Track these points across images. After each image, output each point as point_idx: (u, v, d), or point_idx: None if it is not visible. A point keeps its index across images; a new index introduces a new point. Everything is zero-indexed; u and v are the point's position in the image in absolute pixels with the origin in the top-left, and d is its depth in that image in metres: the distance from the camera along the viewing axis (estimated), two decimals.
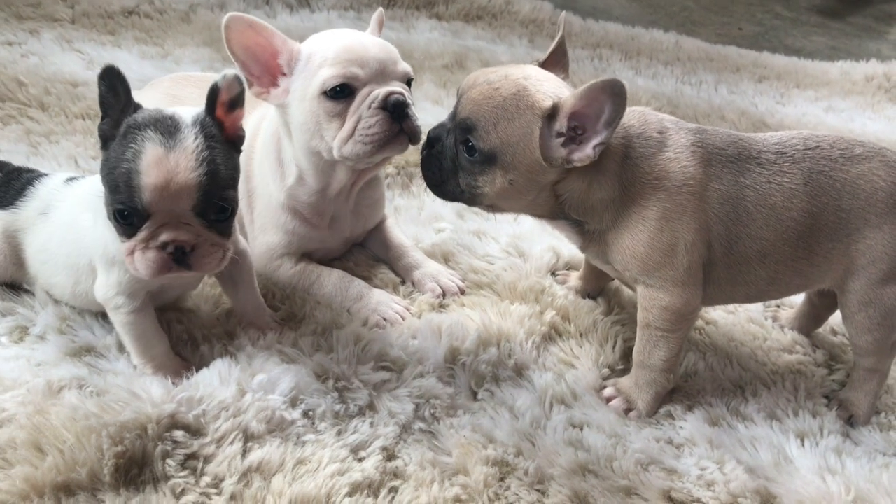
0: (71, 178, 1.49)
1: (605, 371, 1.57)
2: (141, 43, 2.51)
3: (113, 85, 1.21)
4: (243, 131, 1.31)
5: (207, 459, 1.25)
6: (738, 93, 3.05)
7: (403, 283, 1.74)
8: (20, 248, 1.46)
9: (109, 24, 2.58)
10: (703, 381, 1.59)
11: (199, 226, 1.23)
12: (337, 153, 1.50)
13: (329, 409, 1.36)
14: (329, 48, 1.48)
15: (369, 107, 1.45)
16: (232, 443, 1.27)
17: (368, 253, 1.81)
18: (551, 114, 1.29)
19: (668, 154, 1.37)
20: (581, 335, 1.64)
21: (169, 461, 1.23)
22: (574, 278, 1.78)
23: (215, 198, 1.23)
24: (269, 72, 1.51)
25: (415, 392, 1.43)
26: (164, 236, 1.21)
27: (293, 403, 1.35)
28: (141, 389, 1.30)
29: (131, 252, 1.23)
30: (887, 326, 1.46)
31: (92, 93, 2.14)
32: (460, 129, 1.36)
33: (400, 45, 2.84)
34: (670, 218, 1.36)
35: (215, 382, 1.34)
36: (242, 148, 1.32)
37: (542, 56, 1.47)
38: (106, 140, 1.24)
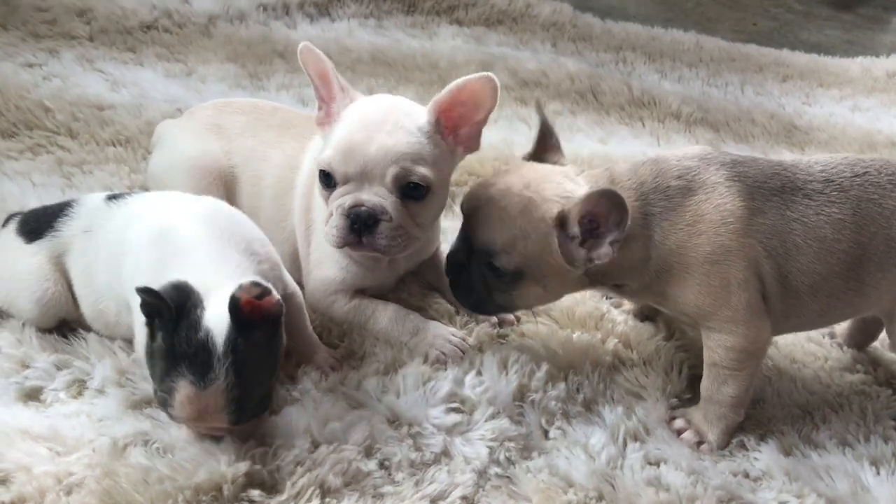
0: (112, 196, 1.44)
1: (674, 401, 1.52)
2: (163, 60, 2.44)
3: (158, 310, 1.17)
4: (280, 304, 1.22)
5: None
6: (765, 94, 3.01)
7: (458, 312, 1.68)
8: (68, 273, 1.42)
9: (129, 40, 2.51)
10: (773, 407, 1.54)
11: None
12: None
13: (405, 457, 1.31)
14: (343, 126, 1.42)
15: (336, 209, 1.40)
16: (310, 499, 1.22)
17: (422, 281, 1.75)
18: (562, 221, 1.29)
19: (699, 196, 1.33)
20: (645, 363, 1.59)
21: None
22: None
23: (248, 414, 1.22)
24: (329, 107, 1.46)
25: (487, 435, 1.38)
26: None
27: (368, 453, 1.30)
28: (212, 446, 1.25)
29: None
30: None
31: (119, 116, 2.09)
32: (481, 253, 1.35)
33: (424, 54, 2.82)
34: (715, 261, 1.32)
35: (287, 433, 1.28)
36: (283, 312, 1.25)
37: (531, 145, 1.48)
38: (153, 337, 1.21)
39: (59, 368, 1.38)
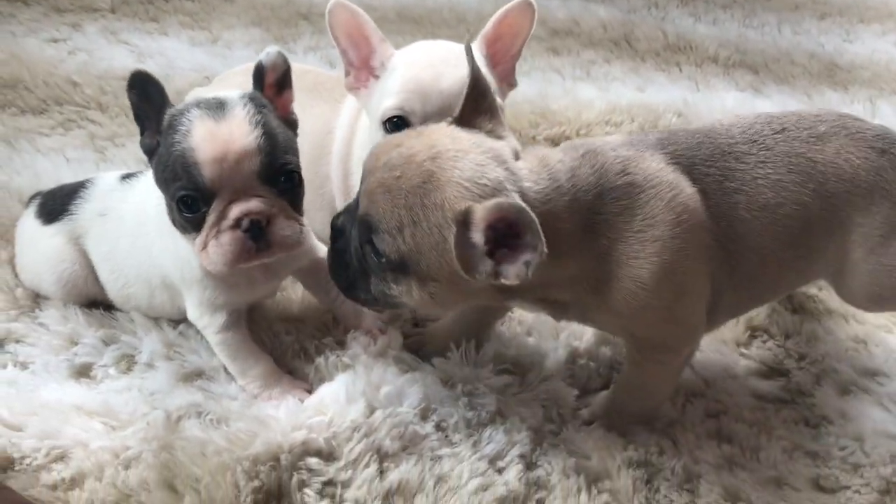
0: (126, 176, 1.41)
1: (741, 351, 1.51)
2: (187, 28, 2.40)
3: (145, 91, 1.13)
4: (295, 115, 1.23)
5: (345, 485, 1.18)
6: (803, 33, 2.91)
7: None
8: (89, 255, 1.39)
9: (151, 10, 2.47)
10: (825, 345, 1.52)
11: (269, 195, 1.14)
12: None
13: (461, 417, 1.29)
14: (399, 73, 1.34)
15: None
16: (367, 465, 1.20)
17: None
18: (464, 220, 1.00)
19: (648, 193, 1.11)
20: None
21: (307, 490, 1.17)
22: None
23: (279, 161, 1.13)
24: (365, 67, 1.41)
25: (541, 395, 1.36)
26: (236, 210, 1.12)
27: (424, 416, 1.28)
28: (267, 416, 1.24)
29: (204, 246, 1.14)
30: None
31: None
32: (362, 225, 1.08)
33: (451, 8, 2.75)
34: (672, 270, 1.11)
35: (342, 400, 1.26)
36: (297, 132, 1.23)
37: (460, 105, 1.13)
38: (152, 152, 1.15)
39: (106, 344, 1.37)
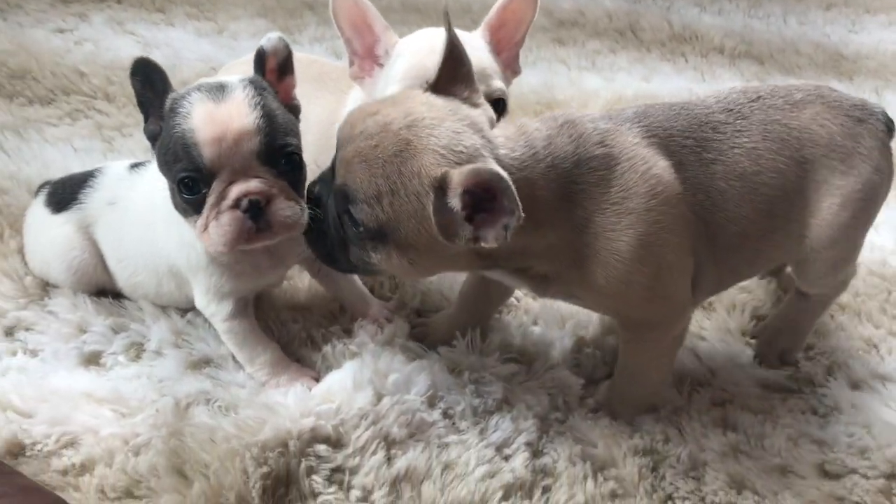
0: (134, 165, 1.42)
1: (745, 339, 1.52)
2: (193, 19, 2.41)
3: (148, 77, 1.14)
4: (298, 101, 1.24)
5: (353, 471, 1.19)
6: (808, 23, 2.91)
7: None
8: (98, 244, 1.41)
9: (157, 0, 2.48)
10: (837, 340, 1.52)
11: (269, 176, 1.14)
12: None
13: (468, 405, 1.30)
14: (403, 60, 1.36)
15: None
16: (375, 452, 1.21)
17: None
18: (441, 186, 0.99)
19: (622, 165, 1.11)
20: (704, 306, 1.57)
21: (315, 477, 1.18)
22: None
23: (278, 143, 1.14)
24: (369, 56, 1.41)
25: (547, 384, 1.36)
26: (235, 190, 1.12)
27: (431, 403, 1.29)
28: (276, 403, 1.25)
29: (205, 227, 1.14)
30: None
31: None
32: (338, 196, 1.07)
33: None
34: (649, 243, 1.11)
35: (349, 387, 1.27)
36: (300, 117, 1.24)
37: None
38: (155, 137, 1.17)
39: (115, 332, 1.39)
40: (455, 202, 0.99)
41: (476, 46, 1.36)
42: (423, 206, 1.01)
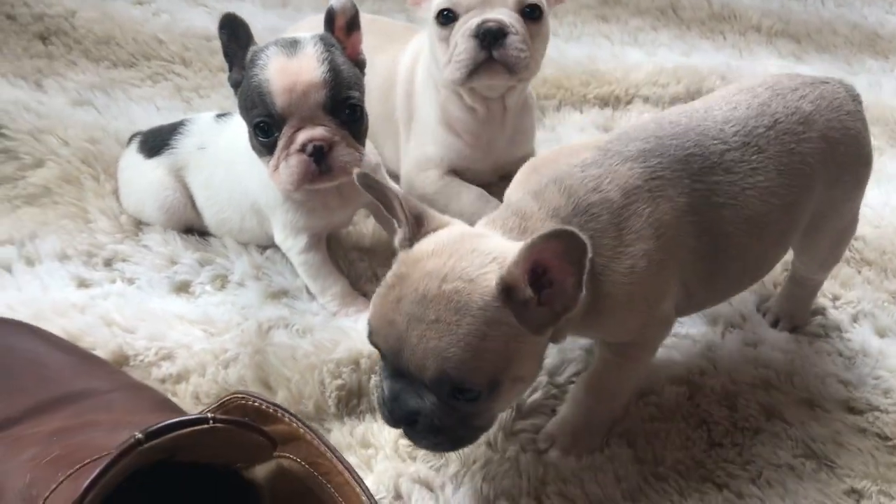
0: (220, 115, 1.57)
1: (770, 290, 1.60)
2: None
3: (234, 31, 1.30)
4: (363, 55, 1.37)
5: None
6: (846, 4, 2.96)
7: None
8: (188, 186, 1.55)
9: None
10: (864, 291, 1.60)
11: (333, 125, 1.29)
12: (440, 78, 1.57)
13: None
14: None
15: (463, 34, 1.48)
16: None
17: None
18: (506, 289, 0.93)
19: (627, 210, 1.07)
20: None
21: None
22: None
23: (342, 95, 1.28)
24: None
25: None
26: (302, 136, 1.27)
27: None
28: (348, 327, 1.38)
29: (276, 167, 1.30)
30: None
31: None
32: (438, 386, 0.97)
33: None
34: (650, 274, 1.08)
35: None
36: (365, 71, 1.38)
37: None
38: (237, 85, 1.32)
39: (202, 265, 1.52)
40: (528, 291, 0.94)
41: None
42: (508, 324, 0.94)
